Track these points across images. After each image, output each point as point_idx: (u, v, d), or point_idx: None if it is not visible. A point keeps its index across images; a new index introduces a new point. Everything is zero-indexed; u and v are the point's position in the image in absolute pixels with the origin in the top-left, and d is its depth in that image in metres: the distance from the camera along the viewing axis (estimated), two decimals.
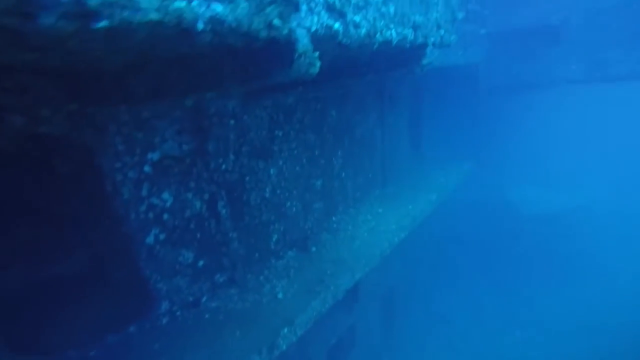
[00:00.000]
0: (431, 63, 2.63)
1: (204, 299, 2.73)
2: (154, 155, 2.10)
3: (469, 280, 7.87)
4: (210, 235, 2.67)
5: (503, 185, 8.27)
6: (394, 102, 4.61)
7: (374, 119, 4.32)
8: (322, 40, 1.55)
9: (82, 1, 0.76)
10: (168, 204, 2.28)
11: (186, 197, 2.41)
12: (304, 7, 1.38)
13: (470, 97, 6.74)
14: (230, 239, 2.83)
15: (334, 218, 4.03)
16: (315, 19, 1.46)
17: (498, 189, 8.13)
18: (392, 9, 1.89)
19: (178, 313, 2.54)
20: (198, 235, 2.58)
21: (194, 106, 2.29)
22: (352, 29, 1.65)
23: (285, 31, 1.30)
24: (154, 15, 0.87)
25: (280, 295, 2.92)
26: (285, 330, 2.57)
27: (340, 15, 1.58)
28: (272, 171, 3.10)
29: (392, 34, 1.90)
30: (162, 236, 2.30)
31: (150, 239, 2.22)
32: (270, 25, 1.22)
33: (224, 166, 2.63)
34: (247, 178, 2.87)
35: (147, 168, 2.06)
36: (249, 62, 1.49)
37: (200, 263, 2.67)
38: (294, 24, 1.33)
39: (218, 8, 1.03)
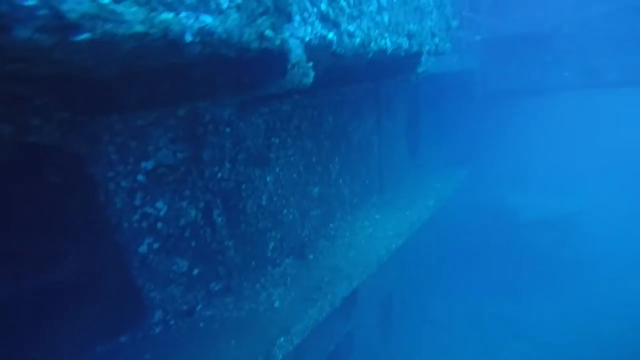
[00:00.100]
0: (426, 71, 2.64)
1: (199, 307, 2.70)
2: (148, 164, 2.09)
3: (467, 286, 7.88)
4: (205, 244, 2.65)
5: (499, 191, 8.31)
6: (391, 108, 4.61)
7: (371, 125, 4.32)
8: (316, 50, 1.54)
9: (61, 14, 0.75)
10: (162, 213, 2.27)
11: (181, 206, 2.39)
12: (297, 18, 1.37)
13: (466, 103, 6.78)
14: (226, 247, 2.81)
15: (331, 225, 4.01)
16: (309, 29, 1.46)
17: (494, 195, 8.17)
18: (386, 18, 1.89)
19: (172, 322, 2.52)
20: (193, 244, 2.56)
21: (189, 114, 2.29)
22: (346, 39, 1.64)
23: (277, 42, 1.29)
24: (139, 28, 0.86)
25: (276, 304, 2.90)
26: (282, 339, 2.54)
27: (334, 25, 1.57)
28: (268, 179, 3.08)
29: (387, 43, 1.90)
30: (155, 245, 2.28)
31: (143, 248, 2.20)
32: (262, 36, 1.21)
33: (219, 174, 2.62)
34: (244, 186, 2.86)
35: (140, 177, 2.05)
36: (241, 72, 1.48)
37: (195, 271, 2.64)
38: (286, 34, 1.33)
39: (207, 19, 1.02)
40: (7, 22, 0.72)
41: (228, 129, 2.64)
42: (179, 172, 2.33)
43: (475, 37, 5.78)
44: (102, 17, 0.80)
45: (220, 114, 2.53)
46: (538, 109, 9.31)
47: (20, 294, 1.79)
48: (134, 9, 0.84)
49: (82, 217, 1.88)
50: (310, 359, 3.86)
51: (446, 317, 7.26)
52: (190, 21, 0.98)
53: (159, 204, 2.23)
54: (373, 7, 1.77)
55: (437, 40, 2.46)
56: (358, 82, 2.71)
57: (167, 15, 0.91)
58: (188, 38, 0.98)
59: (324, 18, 1.52)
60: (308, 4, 1.43)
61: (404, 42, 2.06)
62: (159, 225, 2.28)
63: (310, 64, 1.48)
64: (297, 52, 1.40)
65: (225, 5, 1.07)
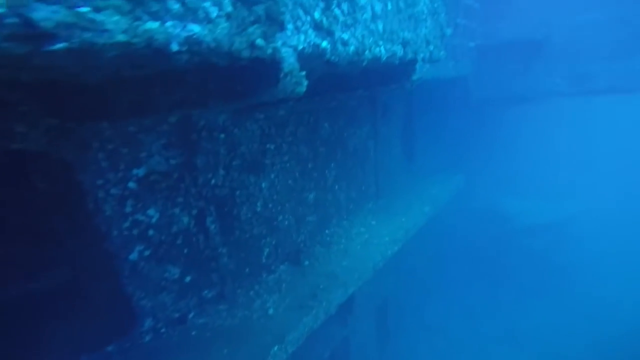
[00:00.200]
0: (421, 78, 2.63)
1: (191, 315, 2.66)
2: (140, 171, 2.06)
3: (463, 291, 7.90)
4: (198, 251, 2.62)
5: (493, 197, 8.35)
6: (387, 113, 4.61)
7: (367, 131, 4.31)
8: (310, 58, 1.52)
9: (32, 23, 0.72)
10: (154, 220, 2.23)
11: (173, 213, 2.36)
12: (289, 26, 1.36)
13: (461, 109, 6.84)
14: (219, 254, 2.78)
15: (327, 231, 3.99)
16: (302, 37, 1.44)
17: (488, 200, 8.21)
18: (381, 26, 1.88)
19: (163, 330, 2.48)
20: (185, 251, 2.53)
21: (183, 120, 2.26)
22: (340, 47, 1.63)
23: (269, 51, 1.27)
24: (121, 37, 0.83)
25: (271, 311, 2.86)
26: (276, 348, 2.51)
27: (328, 33, 1.56)
28: (263, 185, 3.06)
29: (381, 50, 1.89)
30: (146, 252, 2.25)
31: (134, 256, 2.17)
32: (253, 45, 1.20)
33: (213, 181, 2.59)
34: (238, 192, 2.83)
35: (131, 184, 2.02)
36: (233, 80, 1.46)
37: (188, 279, 2.61)
38: (279, 43, 1.31)
39: (195, 29, 1.00)
40: None
41: (222, 135, 2.62)
42: (172, 178, 2.30)
43: (470, 43, 5.83)
44: (80, 26, 0.78)
45: (215, 119, 2.51)
46: (531, 115, 9.40)
47: (4, 301, 1.75)
48: (116, 18, 0.81)
49: (70, 224, 1.85)
50: None
51: (442, 322, 7.28)
52: (177, 30, 0.95)
53: (151, 211, 2.20)
54: (367, 15, 1.76)
55: (431, 47, 2.46)
56: (353, 90, 2.71)
57: (152, 25, 0.88)
58: (174, 47, 0.96)
59: (317, 26, 1.50)
60: (301, 13, 1.41)
61: (399, 50, 2.05)
62: (151, 232, 2.24)
63: (304, 72, 1.46)
64: (289, 60, 1.38)
65: (214, 14, 1.05)
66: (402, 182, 5.28)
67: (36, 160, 1.56)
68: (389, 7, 1.91)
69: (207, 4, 1.03)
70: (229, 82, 1.46)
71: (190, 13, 0.99)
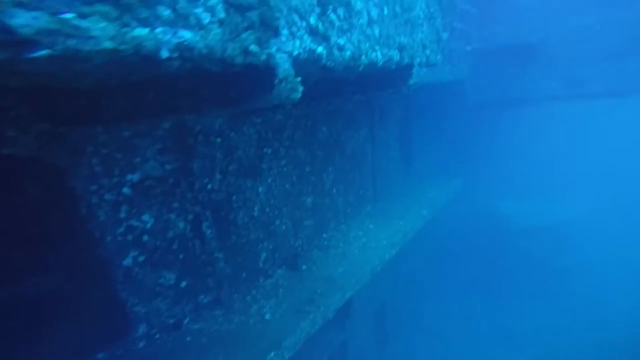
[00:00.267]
0: (418, 82, 2.62)
1: (186, 320, 2.64)
2: (135, 176, 2.04)
3: (461, 294, 7.91)
4: (194, 256, 2.59)
5: (491, 200, 8.37)
6: (385, 117, 4.60)
7: (365, 135, 4.30)
8: (305, 64, 1.51)
9: (10, 30, 0.69)
10: (148, 226, 2.21)
11: (169, 218, 2.34)
12: (284, 32, 1.34)
13: (458, 112, 6.86)
14: (215, 259, 2.76)
15: (325, 235, 3.97)
16: (298, 43, 1.43)
17: (486, 203, 8.24)
18: (377, 31, 1.86)
19: (157, 336, 2.45)
20: (181, 256, 2.51)
21: (178, 124, 2.24)
22: (336, 52, 1.61)
23: (263, 57, 1.25)
24: (108, 44, 0.81)
25: (267, 316, 2.84)
26: (272, 354, 2.48)
27: (324, 38, 1.54)
28: (260, 189, 3.04)
29: (378, 55, 1.88)
30: (141, 258, 2.23)
31: (128, 261, 2.15)
32: (246, 51, 1.18)
33: (209, 186, 2.57)
34: (235, 197, 2.81)
35: (126, 190, 2.00)
36: (227, 86, 1.44)
37: (183, 284, 2.58)
38: (273, 49, 1.29)
39: (186, 35, 0.98)
40: None
41: (219, 140, 2.60)
42: (167, 184, 2.28)
43: (466, 47, 5.86)
44: (64, 32, 0.75)
45: (211, 124, 2.49)
46: (529, 118, 9.44)
47: None
48: (103, 24, 0.79)
49: (63, 230, 1.83)
50: None
51: (440, 325, 7.28)
52: (168, 37, 0.94)
53: (146, 217, 2.18)
54: (363, 20, 1.75)
55: (428, 52, 2.45)
56: (350, 95, 2.70)
57: (141, 31, 0.87)
58: (165, 54, 0.94)
59: (313, 32, 1.49)
60: (297, 18, 1.40)
61: (395, 55, 2.04)
62: (145, 238, 2.22)
63: (299, 78, 1.45)
64: (284, 66, 1.36)
65: (206, 21, 1.03)
66: (400, 186, 5.27)
67: (27, 165, 1.54)
68: (385, 12, 1.90)
69: (199, 10, 1.01)
70: (222, 88, 1.44)
71: (181, 19, 0.97)
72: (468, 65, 6.05)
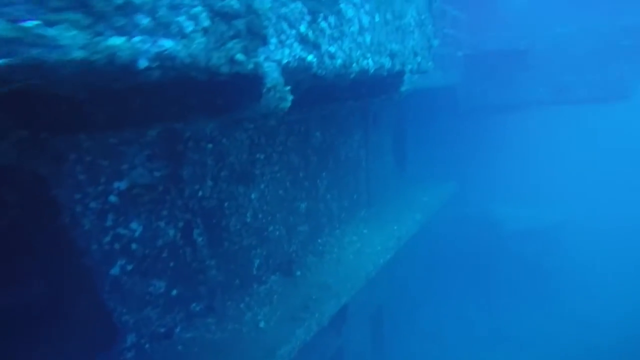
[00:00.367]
0: (410, 89, 2.60)
1: (178, 329, 2.59)
2: (122, 184, 2.00)
3: (456, 297, 7.96)
4: (185, 264, 2.55)
5: (485, 203, 8.45)
6: (378, 122, 4.59)
7: (359, 140, 4.28)
8: (295, 72, 1.48)
9: None
10: (137, 234, 2.17)
11: (158, 226, 2.29)
12: (273, 40, 1.31)
13: (451, 117, 6.95)
14: (207, 266, 2.71)
15: (319, 240, 3.94)
16: (287, 51, 1.40)
17: (480, 207, 8.31)
18: (368, 39, 1.84)
19: (147, 346, 2.40)
20: (171, 264, 2.46)
21: (167, 130, 2.20)
22: (327, 60, 1.59)
23: (250, 66, 1.22)
24: (78, 54, 0.77)
25: (262, 324, 2.80)
26: None
27: (315, 46, 1.51)
28: (253, 196, 3.00)
29: (369, 63, 1.86)
30: (129, 266, 2.18)
31: (115, 270, 2.10)
32: (232, 60, 1.15)
33: (200, 192, 2.53)
34: (227, 204, 2.77)
35: (112, 198, 1.95)
36: (214, 95, 1.41)
37: (174, 292, 2.54)
38: (261, 57, 1.26)
39: (167, 44, 0.95)
40: None
41: (210, 145, 2.56)
42: (157, 191, 2.24)
43: (457, 53, 5.91)
44: (26, 41, 0.72)
45: (202, 130, 2.45)
46: (520, 122, 9.55)
47: None
48: (73, 33, 0.75)
49: (45, 238, 1.78)
50: None
51: (435, 327, 7.32)
52: (146, 46, 0.90)
53: (134, 225, 2.14)
54: (354, 27, 1.73)
55: (419, 59, 2.43)
56: (342, 101, 2.67)
57: (116, 40, 0.83)
58: (143, 64, 0.91)
59: (303, 40, 1.46)
60: (286, 26, 1.37)
61: (387, 62, 2.02)
62: (134, 246, 2.18)
63: (288, 87, 1.42)
64: (273, 75, 1.33)
65: (189, 29, 1.00)
66: (394, 190, 5.26)
67: (5, 173, 1.48)
68: (377, 19, 1.88)
69: (181, 19, 0.98)
70: (209, 96, 1.41)
71: (161, 28, 0.94)
72: (460, 71, 6.10)
